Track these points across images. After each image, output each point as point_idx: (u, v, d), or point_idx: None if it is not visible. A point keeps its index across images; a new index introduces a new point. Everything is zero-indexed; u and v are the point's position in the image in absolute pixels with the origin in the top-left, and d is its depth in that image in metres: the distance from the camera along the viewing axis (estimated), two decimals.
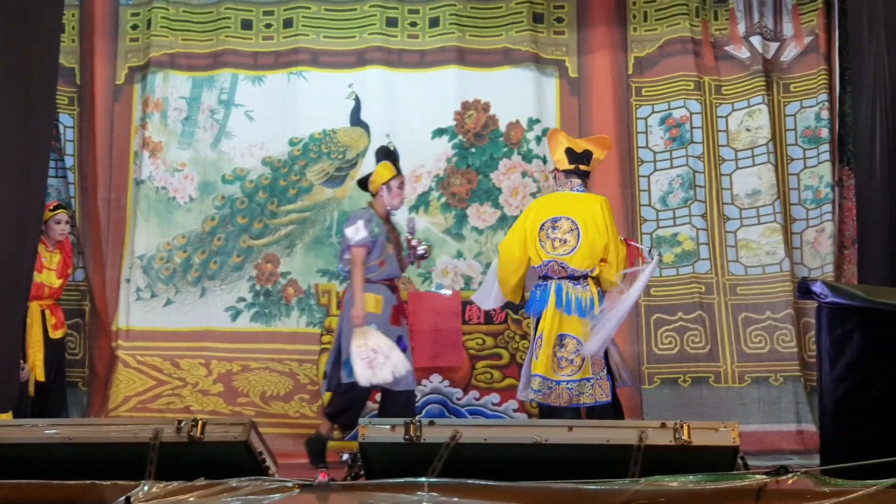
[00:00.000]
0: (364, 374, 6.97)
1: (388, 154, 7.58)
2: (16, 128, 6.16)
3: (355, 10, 8.90)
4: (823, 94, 8.35)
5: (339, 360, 7.21)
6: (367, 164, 8.69)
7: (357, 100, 8.81)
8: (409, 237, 7.42)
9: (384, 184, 7.41)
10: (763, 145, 8.39)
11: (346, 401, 7.16)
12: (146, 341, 8.46)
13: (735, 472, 4.38)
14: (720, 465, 4.38)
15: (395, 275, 7.41)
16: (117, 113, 8.87)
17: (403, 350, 7.19)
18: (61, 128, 8.64)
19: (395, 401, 7.12)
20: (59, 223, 7.85)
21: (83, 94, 8.77)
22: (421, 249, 7.39)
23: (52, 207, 7.82)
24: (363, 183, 7.60)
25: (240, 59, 8.90)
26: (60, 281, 7.84)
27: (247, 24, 8.92)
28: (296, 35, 8.88)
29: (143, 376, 8.35)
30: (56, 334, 7.85)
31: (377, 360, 7.00)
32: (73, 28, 8.74)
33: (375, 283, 7.26)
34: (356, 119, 8.82)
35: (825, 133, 8.31)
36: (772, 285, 8.20)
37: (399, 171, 7.48)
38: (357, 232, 7.23)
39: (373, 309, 7.18)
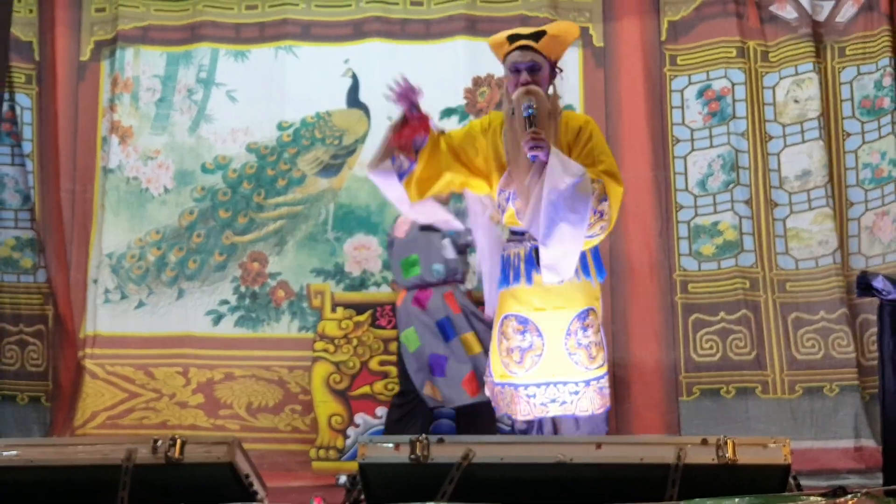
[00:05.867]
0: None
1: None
2: None
3: None
4: (885, 57, 8.28)
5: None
6: (368, 151, 8.67)
7: (354, 77, 8.80)
8: None
9: None
10: (813, 119, 8.34)
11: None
12: (116, 349, 8.44)
13: (787, 493, 4.37)
14: (770, 487, 4.37)
15: None
16: (82, 93, 8.87)
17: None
18: (18, 109, 8.62)
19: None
20: None
21: (43, 71, 8.76)
22: None
23: None
24: None
25: (220, 31, 8.90)
26: None
27: None
28: (283, 4, 8.88)
29: (112, 388, 8.34)
30: None
31: None
32: None
33: None
34: (354, 100, 8.80)
35: (887, 103, 8.25)
36: (825, 280, 8.15)
37: None
38: None
39: None
